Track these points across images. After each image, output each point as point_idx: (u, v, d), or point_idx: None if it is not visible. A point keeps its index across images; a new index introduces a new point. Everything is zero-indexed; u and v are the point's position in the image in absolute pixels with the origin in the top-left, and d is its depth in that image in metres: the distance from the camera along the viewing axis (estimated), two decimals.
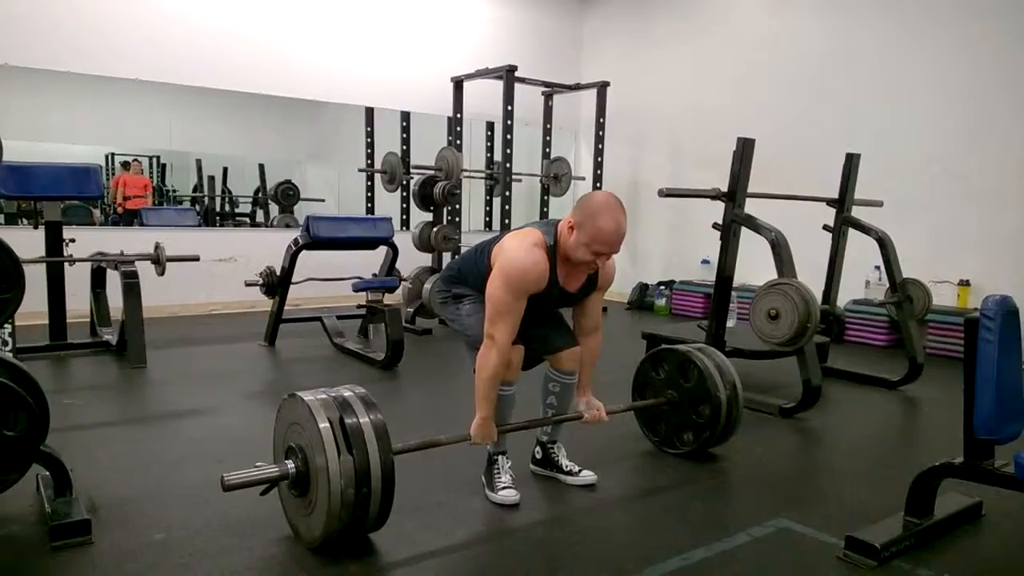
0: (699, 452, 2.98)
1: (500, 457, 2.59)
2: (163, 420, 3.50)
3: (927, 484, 2.29)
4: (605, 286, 2.56)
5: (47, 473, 2.30)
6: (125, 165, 8.22)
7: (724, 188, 4.05)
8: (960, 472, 2.20)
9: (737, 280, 4.34)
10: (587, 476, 2.70)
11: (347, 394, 2.11)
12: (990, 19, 5.34)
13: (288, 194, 8.50)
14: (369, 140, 7.70)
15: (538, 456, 2.79)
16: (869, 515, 2.41)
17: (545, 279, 2.34)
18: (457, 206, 6.39)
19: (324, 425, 1.97)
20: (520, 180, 7.47)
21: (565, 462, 2.73)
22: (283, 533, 2.25)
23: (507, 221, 6.27)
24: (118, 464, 2.83)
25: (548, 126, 7.85)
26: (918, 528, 2.26)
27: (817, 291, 4.00)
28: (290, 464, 2.06)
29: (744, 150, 4.00)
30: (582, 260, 2.31)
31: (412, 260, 6.16)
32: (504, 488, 2.51)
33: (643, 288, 7.64)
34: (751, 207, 4.06)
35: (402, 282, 5.62)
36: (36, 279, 4.11)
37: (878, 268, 5.38)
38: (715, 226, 4.10)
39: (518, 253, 2.31)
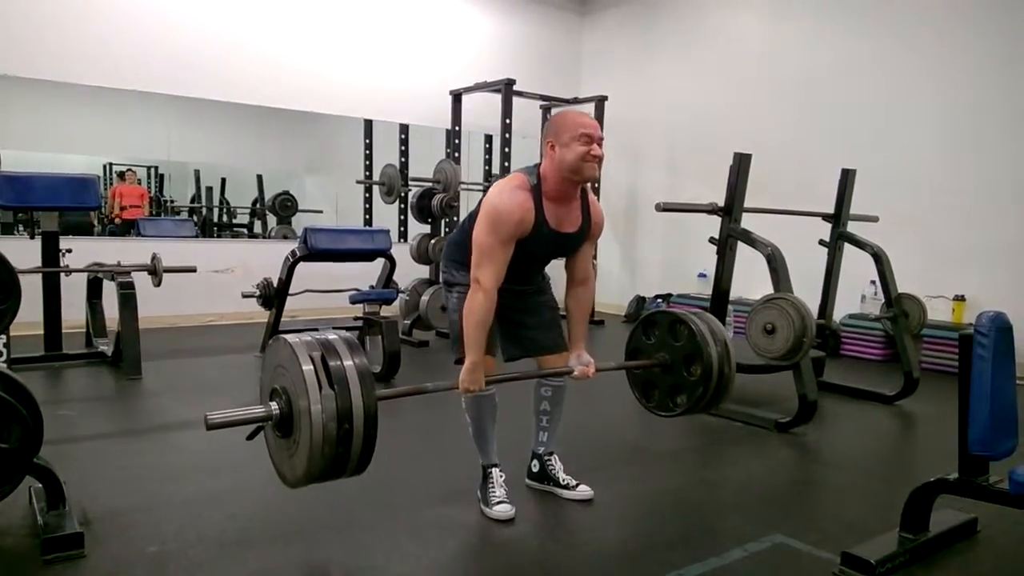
0: (694, 415, 2.87)
1: (493, 470, 2.58)
2: (158, 432, 3.49)
3: (922, 500, 2.29)
4: (597, 232, 2.54)
5: (40, 485, 2.28)
6: (121, 175, 8.23)
7: (721, 202, 4.07)
8: (955, 488, 2.20)
9: (734, 294, 4.35)
10: (584, 491, 2.68)
11: (332, 336, 2.10)
12: (986, 35, 5.38)
13: (286, 205, 8.51)
14: (368, 152, 7.73)
15: (534, 470, 2.78)
16: (865, 531, 2.41)
17: (531, 219, 2.32)
18: (455, 218, 6.41)
19: (308, 368, 1.95)
20: None
21: (562, 476, 2.72)
22: (277, 545, 2.24)
23: None
24: (112, 476, 2.81)
25: None
26: (913, 544, 2.26)
27: (813, 305, 4.02)
28: (274, 405, 2.04)
29: (741, 165, 4.02)
30: (579, 158, 2.28)
31: (410, 272, 6.17)
32: (498, 503, 2.50)
33: (640, 301, 7.65)
34: (748, 221, 4.08)
35: (399, 294, 5.63)
36: (32, 289, 4.10)
37: (874, 283, 5.39)
38: (712, 240, 4.11)
39: (500, 197, 2.31)
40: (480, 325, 2.30)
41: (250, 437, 2.12)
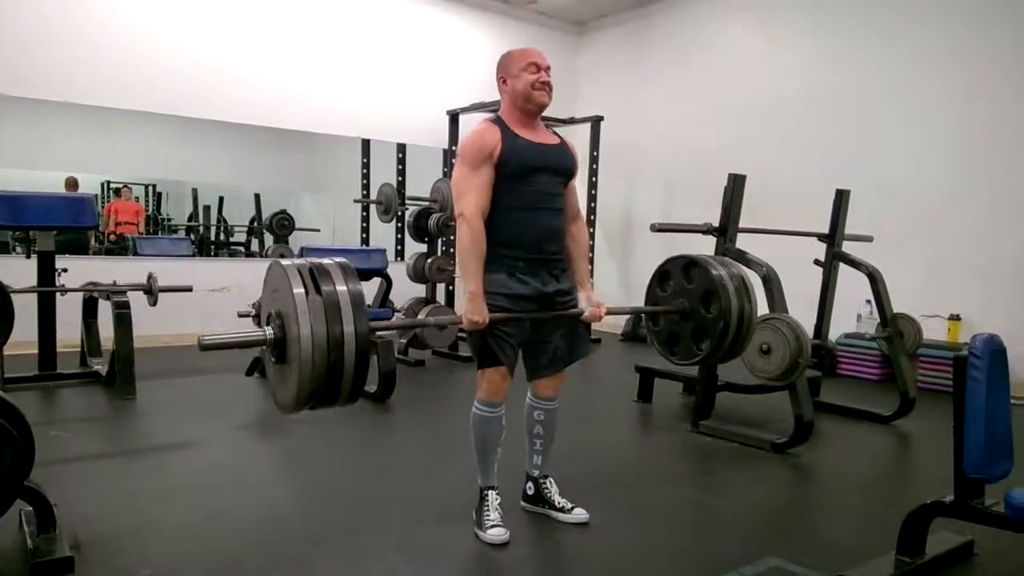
0: (718, 360, 2.91)
1: (490, 492, 2.56)
2: (151, 453, 3.47)
3: (918, 522, 2.28)
4: (577, 158, 2.63)
5: (30, 508, 2.27)
6: (117, 192, 8.27)
7: (716, 223, 4.09)
8: (951, 511, 2.19)
9: None
10: (579, 514, 2.66)
11: (327, 261, 2.10)
12: (980, 55, 5.43)
13: (283, 224, 8.51)
14: (365, 171, 7.76)
15: (529, 492, 2.76)
16: (860, 553, 2.39)
17: (497, 136, 2.41)
18: (451, 237, 6.42)
19: (299, 291, 1.95)
20: None
21: (557, 499, 2.71)
22: (270, 568, 2.22)
23: None
24: (104, 499, 2.79)
25: None
26: (910, 567, 2.25)
27: (808, 325, 4.02)
28: (269, 329, 2.03)
29: (735, 186, 4.04)
30: (528, 85, 2.43)
31: (406, 291, 6.16)
32: (492, 526, 2.49)
33: (636, 320, 7.65)
34: (742, 241, 4.09)
35: (395, 313, 5.62)
36: (27, 308, 4.09)
37: (869, 302, 5.40)
38: None
39: (466, 136, 2.46)
40: (472, 253, 2.38)
41: (249, 372, 2.12)
